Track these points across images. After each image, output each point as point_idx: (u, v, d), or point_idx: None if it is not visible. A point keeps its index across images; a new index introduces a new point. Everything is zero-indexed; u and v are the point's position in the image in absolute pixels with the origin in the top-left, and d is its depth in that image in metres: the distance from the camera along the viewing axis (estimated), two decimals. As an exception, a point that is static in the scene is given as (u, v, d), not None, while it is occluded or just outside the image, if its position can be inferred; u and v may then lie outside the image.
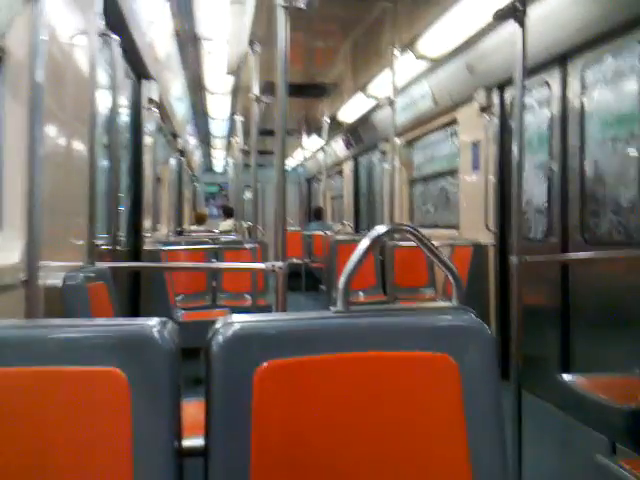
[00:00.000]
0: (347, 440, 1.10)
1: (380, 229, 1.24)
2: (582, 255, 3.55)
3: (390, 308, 1.24)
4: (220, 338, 1.06)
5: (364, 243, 1.20)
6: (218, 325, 1.09)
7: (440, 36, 4.38)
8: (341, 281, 1.17)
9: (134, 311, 3.97)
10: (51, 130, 2.05)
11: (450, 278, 1.23)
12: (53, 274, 1.97)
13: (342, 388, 1.11)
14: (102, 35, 2.62)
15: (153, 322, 1.05)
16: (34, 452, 1.01)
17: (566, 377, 2.64)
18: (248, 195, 9.77)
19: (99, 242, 2.69)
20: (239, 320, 1.10)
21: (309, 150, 10.42)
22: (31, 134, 1.81)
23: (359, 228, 9.14)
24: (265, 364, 1.06)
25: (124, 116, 4.04)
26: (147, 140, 4.47)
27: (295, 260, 7.92)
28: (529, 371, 2.44)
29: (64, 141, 2.25)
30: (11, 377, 1.02)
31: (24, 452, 1.01)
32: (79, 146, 2.42)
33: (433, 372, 1.14)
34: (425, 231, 1.86)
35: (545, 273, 3.86)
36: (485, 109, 4.64)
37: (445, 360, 1.13)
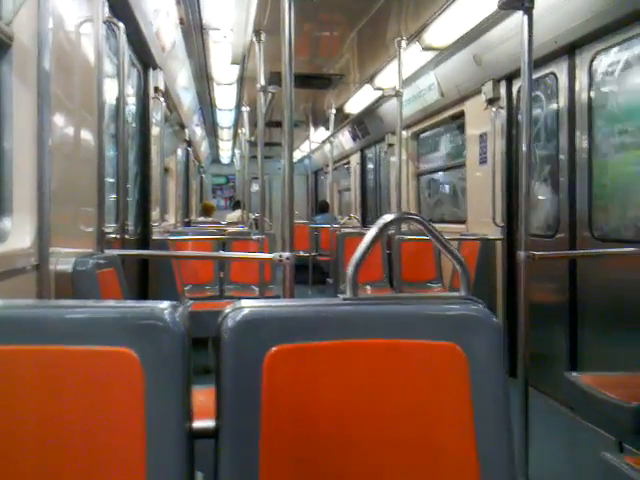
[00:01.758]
0: (355, 425, 1.11)
1: (388, 217, 1.24)
2: (591, 251, 3.53)
3: (399, 297, 1.25)
4: (230, 322, 1.07)
5: (372, 231, 1.20)
6: (228, 310, 1.10)
7: (447, 26, 4.35)
8: (349, 269, 1.18)
9: (143, 299, 3.99)
10: (59, 119, 2.06)
11: (458, 269, 1.24)
12: (63, 260, 1.99)
13: (350, 374, 1.12)
14: (107, 22, 2.61)
15: (165, 305, 1.07)
16: (46, 430, 1.02)
17: (573, 375, 2.63)
18: (255, 187, 9.79)
19: (108, 230, 2.70)
20: (249, 305, 1.11)
21: (315, 142, 10.40)
22: (40, 122, 1.83)
23: (366, 222, 9.14)
24: (274, 348, 1.07)
25: (131, 105, 4.05)
26: (154, 130, 4.48)
27: (302, 253, 7.92)
28: (536, 368, 2.44)
29: (72, 130, 2.26)
30: (24, 355, 1.03)
31: (36, 430, 1.02)
32: (87, 135, 2.43)
33: (441, 361, 1.15)
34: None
35: (553, 269, 3.85)
36: (492, 101, 4.62)
37: (453, 349, 1.14)
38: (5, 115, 1.82)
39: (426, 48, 4.75)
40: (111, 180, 3.09)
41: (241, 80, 6.12)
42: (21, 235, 1.79)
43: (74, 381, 1.03)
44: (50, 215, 1.84)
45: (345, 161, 10.68)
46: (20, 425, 1.02)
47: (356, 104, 7.30)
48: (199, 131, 9.55)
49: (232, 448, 1.06)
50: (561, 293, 3.85)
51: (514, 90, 4.49)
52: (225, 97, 7.15)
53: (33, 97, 1.84)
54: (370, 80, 6.15)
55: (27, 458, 1.02)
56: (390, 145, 7.36)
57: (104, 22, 2.54)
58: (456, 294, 1.23)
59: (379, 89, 6.08)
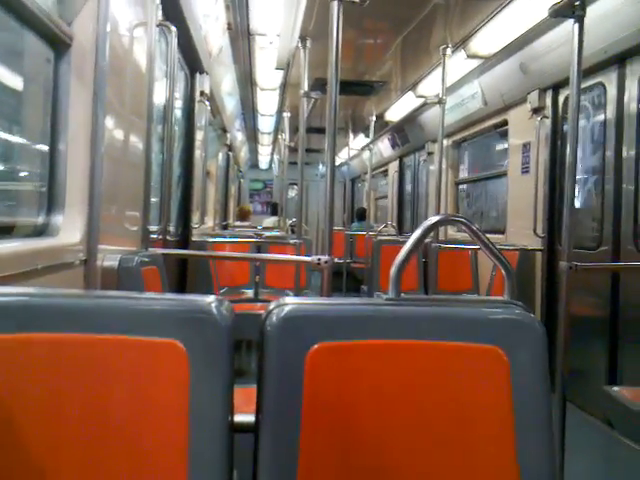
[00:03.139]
0: (394, 425, 1.11)
1: (434, 219, 1.24)
2: (636, 264, 3.44)
3: (442, 298, 1.25)
4: (274, 318, 1.09)
5: (418, 232, 1.20)
6: (272, 306, 1.11)
7: (493, 34, 4.32)
8: (393, 268, 1.19)
9: (182, 298, 4.05)
10: (111, 121, 2.12)
11: (503, 272, 1.23)
12: (110, 256, 2.05)
13: (391, 374, 1.12)
14: (160, 26, 2.67)
15: (211, 299, 1.09)
16: (92, 417, 1.05)
17: (614, 389, 2.57)
18: (291, 193, 9.85)
19: (152, 230, 2.77)
20: (293, 302, 1.12)
21: (354, 149, 10.41)
22: (94, 123, 1.89)
23: (402, 230, 9.09)
24: (317, 346, 1.08)
25: (177, 109, 4.13)
26: (198, 134, 4.56)
27: (337, 260, 7.91)
28: (572, 381, 2.39)
29: (122, 133, 2.32)
30: (72, 343, 1.06)
31: (82, 417, 1.05)
32: (136, 138, 2.49)
33: (483, 364, 1.14)
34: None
35: (594, 282, 3.77)
36: (537, 111, 4.55)
37: (495, 352, 1.13)
38: (61, 114, 1.89)
39: (471, 56, 4.72)
40: (156, 183, 3.16)
41: (284, 86, 6.19)
42: (71, 231, 1.86)
43: (121, 370, 1.06)
44: (99, 213, 1.91)
45: (383, 169, 10.65)
46: (66, 412, 1.05)
47: (397, 111, 7.28)
48: (240, 136, 9.67)
49: (272, 443, 1.08)
50: (602, 306, 3.76)
51: (560, 99, 4.42)
52: (267, 102, 7.23)
53: (89, 98, 1.90)
54: (412, 87, 6.14)
55: (72, 444, 1.05)
56: (430, 153, 7.32)
57: (157, 25, 2.59)
58: (500, 298, 1.23)
59: (421, 97, 6.06)
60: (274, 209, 10.31)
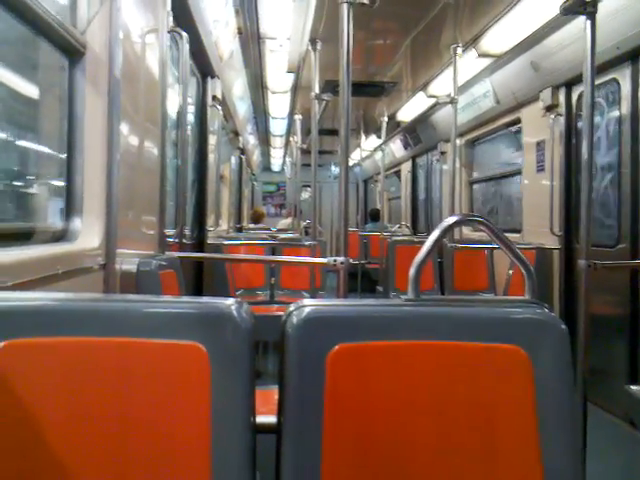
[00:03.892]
0: (416, 425, 1.11)
1: (451, 219, 1.24)
2: None
3: (462, 299, 1.24)
4: (294, 320, 1.09)
5: (436, 232, 1.20)
6: (292, 308, 1.12)
7: (504, 33, 4.29)
8: (412, 269, 1.18)
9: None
10: (125, 127, 2.14)
11: (524, 272, 1.22)
12: (128, 260, 2.07)
13: (412, 375, 1.12)
14: (172, 32, 2.69)
15: (231, 302, 1.09)
16: (114, 420, 1.06)
17: (635, 388, 2.54)
18: (304, 195, 9.86)
19: (168, 234, 2.79)
20: (312, 304, 1.13)
21: (366, 150, 10.40)
22: (109, 130, 1.91)
23: (417, 230, 9.06)
24: (337, 347, 1.08)
25: (190, 114, 4.16)
26: (211, 138, 4.58)
27: (352, 261, 7.89)
28: (592, 380, 2.36)
29: (137, 139, 2.35)
30: (94, 346, 1.07)
31: (104, 419, 1.06)
32: (150, 144, 2.51)
33: (505, 364, 1.14)
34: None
35: (613, 280, 3.73)
36: (551, 108, 4.52)
37: (517, 353, 1.12)
38: (78, 121, 1.91)
39: (482, 55, 4.70)
40: (171, 188, 3.18)
41: (295, 88, 6.20)
42: (90, 236, 1.88)
43: (143, 373, 1.07)
44: (117, 218, 1.93)
45: (396, 169, 10.63)
46: (89, 415, 1.06)
47: (408, 112, 7.27)
48: (252, 139, 9.71)
49: (295, 444, 1.08)
50: (621, 305, 3.72)
51: (574, 97, 4.39)
52: (279, 105, 7.25)
53: (104, 105, 1.92)
54: (423, 88, 6.12)
55: (96, 447, 1.06)
56: (443, 153, 7.29)
57: (169, 32, 2.61)
58: (521, 297, 1.22)
59: (433, 97, 6.04)
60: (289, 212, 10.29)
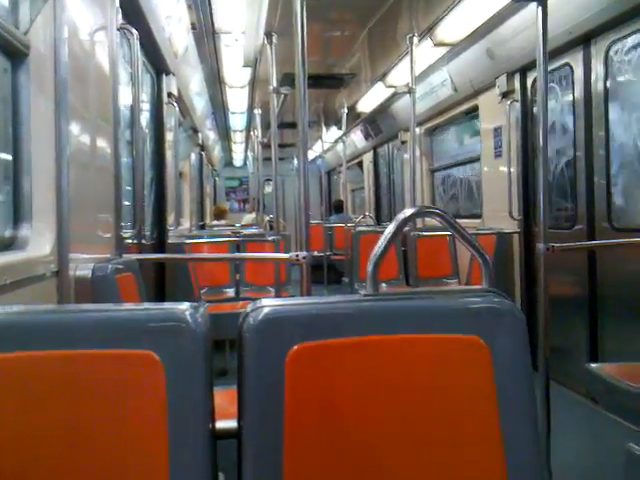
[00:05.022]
0: (378, 421, 1.10)
1: (408, 212, 1.23)
2: (611, 242, 3.49)
3: (420, 291, 1.24)
4: (251, 321, 1.07)
5: (392, 226, 1.19)
6: (249, 309, 1.10)
7: (459, 21, 4.32)
8: (369, 265, 1.17)
9: (160, 303, 4.02)
10: (76, 127, 2.08)
11: (480, 261, 1.22)
12: (83, 265, 2.01)
13: (373, 370, 1.11)
14: (121, 29, 2.63)
15: (185, 306, 1.07)
16: (70, 432, 1.03)
17: (595, 365, 2.60)
18: (268, 189, 9.81)
19: (125, 235, 2.72)
20: (269, 304, 1.11)
21: (328, 142, 10.39)
22: (57, 130, 1.85)
23: (380, 220, 9.12)
24: (296, 347, 1.07)
25: (145, 112, 4.07)
26: (168, 135, 4.50)
27: (317, 253, 7.90)
28: (555, 360, 2.41)
29: (89, 138, 2.28)
30: (47, 360, 1.04)
31: (60, 434, 1.03)
32: (103, 143, 2.44)
33: (464, 354, 1.14)
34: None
35: (572, 262, 3.81)
36: (507, 94, 4.58)
37: (476, 342, 1.13)
38: (23, 124, 1.84)
39: (438, 44, 4.72)
40: (128, 187, 3.11)
41: (253, 83, 6.14)
42: (41, 242, 1.81)
43: (97, 384, 1.04)
44: (69, 222, 1.86)
45: (358, 160, 10.66)
46: (45, 428, 1.03)
47: (368, 102, 7.28)
48: (212, 135, 9.59)
49: (256, 447, 1.06)
50: (580, 285, 3.81)
51: (528, 82, 4.45)
52: (237, 100, 7.17)
53: (50, 106, 1.85)
54: (382, 78, 6.13)
55: (50, 461, 1.03)
56: (403, 142, 7.33)
57: (118, 29, 2.55)
58: (478, 287, 1.22)
59: (391, 87, 6.06)
60: (252, 207, 10.20)
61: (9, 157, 1.85)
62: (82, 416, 1.03)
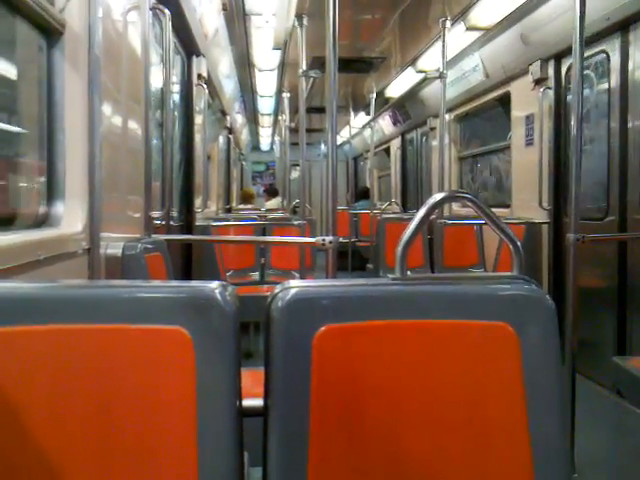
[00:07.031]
0: (404, 405, 1.10)
1: (438, 196, 1.22)
2: None
3: (449, 276, 1.23)
4: (280, 302, 1.08)
5: (422, 210, 1.18)
6: (277, 289, 1.10)
7: (493, 5, 4.24)
8: (398, 249, 1.17)
9: (187, 283, 4.07)
10: (108, 108, 2.10)
11: (511, 247, 1.21)
12: (113, 244, 2.04)
13: (399, 354, 1.11)
14: (153, 9, 2.63)
15: (215, 285, 1.08)
16: (100, 406, 1.05)
17: (621, 359, 2.57)
18: (294, 174, 9.81)
19: (154, 216, 2.76)
20: (298, 285, 1.11)
21: (355, 127, 10.32)
22: (90, 110, 1.87)
23: (407, 207, 9.06)
24: (323, 328, 1.07)
25: (175, 93, 4.10)
26: (197, 118, 4.52)
27: (342, 239, 7.88)
28: (581, 353, 2.39)
29: (120, 119, 2.30)
30: (78, 334, 1.06)
31: (90, 405, 1.05)
32: (134, 124, 2.47)
33: (493, 341, 1.13)
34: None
35: (602, 253, 3.75)
36: (540, 81, 4.49)
37: (505, 329, 1.12)
38: (57, 103, 1.87)
39: (471, 28, 4.64)
40: (157, 169, 3.14)
41: (282, 66, 6.12)
42: (73, 220, 1.85)
43: (127, 359, 1.06)
44: (100, 201, 1.89)
45: (385, 146, 10.57)
46: (72, 403, 1.05)
47: (397, 88, 7.21)
48: (240, 118, 9.61)
49: (282, 426, 1.07)
50: (610, 277, 3.74)
51: (563, 69, 4.35)
52: (266, 83, 7.17)
53: (84, 85, 1.87)
54: (412, 63, 6.06)
55: (79, 435, 1.05)
56: (432, 129, 7.25)
57: (150, 9, 2.55)
58: (508, 273, 1.21)
59: (421, 72, 5.99)
60: (272, 192, 10.16)
61: (44, 136, 1.88)
62: (110, 389, 1.05)
